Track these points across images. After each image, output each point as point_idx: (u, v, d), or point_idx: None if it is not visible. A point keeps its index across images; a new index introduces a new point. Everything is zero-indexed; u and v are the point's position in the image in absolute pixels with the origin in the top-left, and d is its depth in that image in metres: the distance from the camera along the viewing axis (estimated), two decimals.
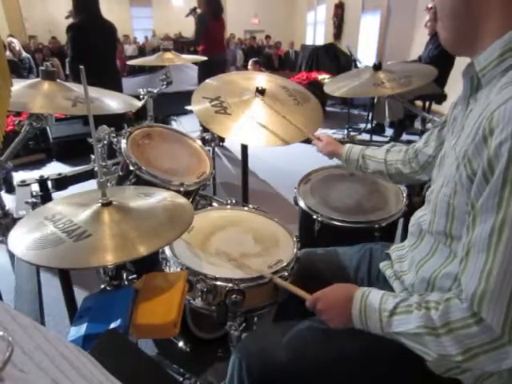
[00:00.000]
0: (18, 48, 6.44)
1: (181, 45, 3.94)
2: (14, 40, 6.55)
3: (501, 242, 0.56)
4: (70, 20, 3.06)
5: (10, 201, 1.24)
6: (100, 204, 0.77)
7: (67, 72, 7.95)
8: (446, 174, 0.72)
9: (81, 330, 0.71)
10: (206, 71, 3.58)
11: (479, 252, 0.59)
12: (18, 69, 6.24)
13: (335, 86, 1.64)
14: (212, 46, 3.80)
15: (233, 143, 4.00)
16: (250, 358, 0.81)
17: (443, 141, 0.93)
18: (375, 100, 4.30)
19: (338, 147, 1.27)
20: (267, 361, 0.80)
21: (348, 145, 1.25)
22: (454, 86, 3.86)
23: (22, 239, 0.70)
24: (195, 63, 4.59)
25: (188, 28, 4.08)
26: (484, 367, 0.61)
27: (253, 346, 0.85)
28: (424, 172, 1.06)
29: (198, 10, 3.91)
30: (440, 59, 3.59)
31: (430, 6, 4.07)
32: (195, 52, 4.39)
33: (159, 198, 0.88)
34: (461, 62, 0.72)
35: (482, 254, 0.58)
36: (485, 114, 0.60)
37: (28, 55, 6.85)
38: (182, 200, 0.90)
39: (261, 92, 1.36)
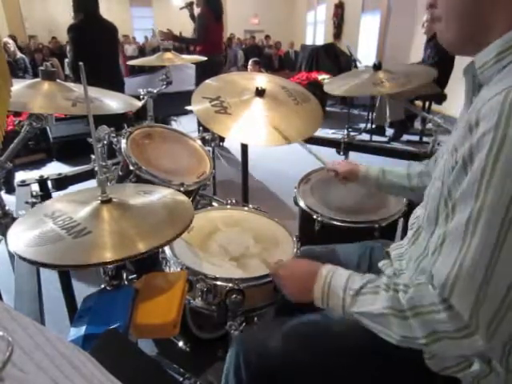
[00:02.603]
0: (12, 49, 6.45)
1: (181, 42, 3.88)
2: (10, 41, 6.57)
3: (477, 229, 0.56)
4: (72, 19, 3.06)
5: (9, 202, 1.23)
6: (100, 201, 0.77)
7: (66, 72, 7.97)
8: (438, 169, 0.73)
9: (81, 329, 0.71)
10: (204, 72, 3.57)
11: (454, 241, 0.59)
12: (13, 69, 6.25)
13: (335, 85, 1.64)
14: (210, 47, 3.78)
15: (233, 143, 4.00)
16: (249, 351, 0.81)
17: None
18: (376, 102, 4.30)
19: (355, 166, 1.24)
20: (266, 354, 0.80)
21: (365, 164, 1.23)
22: (454, 86, 3.86)
23: (21, 236, 0.70)
24: (195, 63, 4.59)
25: (188, 28, 4.07)
26: (449, 352, 0.62)
27: (251, 340, 0.85)
28: None
29: (195, 7, 3.89)
30: (441, 64, 3.59)
31: None
32: (193, 52, 4.38)
33: (159, 195, 0.88)
34: (461, 63, 0.72)
35: (457, 242, 0.58)
36: (474, 107, 0.60)
37: (23, 56, 6.86)
38: (181, 197, 0.90)
39: (261, 92, 1.36)
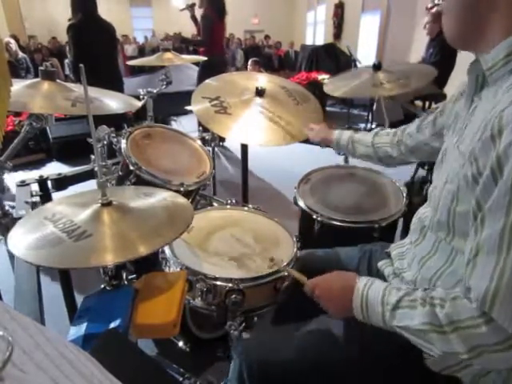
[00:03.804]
0: (14, 49, 6.43)
1: (188, 44, 3.94)
2: (12, 40, 6.54)
3: None
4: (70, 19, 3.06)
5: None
6: (100, 204, 0.77)
7: (66, 72, 7.96)
8: (449, 172, 0.72)
9: (81, 329, 0.71)
10: (207, 71, 3.58)
11: (489, 253, 0.58)
12: (16, 69, 6.24)
13: (335, 85, 1.64)
14: (213, 47, 3.79)
15: (233, 143, 4.00)
16: (251, 361, 0.81)
17: (439, 131, 0.94)
18: (375, 101, 4.30)
19: (329, 133, 1.31)
20: (268, 364, 0.80)
21: (337, 131, 1.29)
22: (453, 85, 3.86)
23: (21, 239, 0.70)
24: (195, 63, 4.59)
25: (188, 29, 4.07)
26: (494, 365, 0.61)
27: (254, 349, 0.85)
28: (412, 155, 1.10)
29: (196, 9, 3.89)
30: (442, 63, 3.59)
31: (429, 5, 4.06)
32: (195, 52, 4.40)
33: (159, 197, 0.88)
34: (461, 64, 0.72)
35: (492, 255, 0.57)
36: (493, 113, 0.60)
37: (24, 55, 6.85)
38: (181, 200, 0.90)
39: (260, 92, 1.36)
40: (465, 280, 0.62)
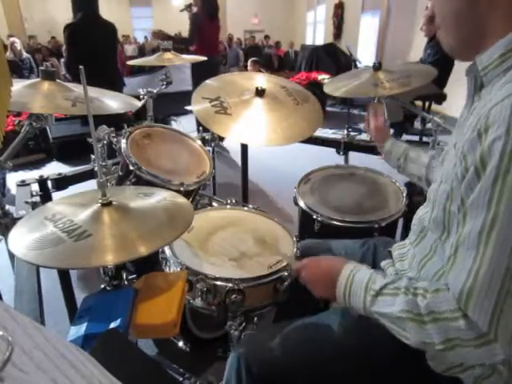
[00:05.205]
0: (19, 48, 6.43)
1: (173, 42, 3.92)
2: (17, 40, 6.53)
3: (490, 239, 0.56)
4: (69, 19, 3.06)
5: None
6: (100, 204, 0.77)
7: (64, 72, 7.96)
8: (445, 171, 0.72)
9: (81, 329, 0.71)
10: (199, 72, 3.57)
11: (468, 250, 0.59)
12: (20, 69, 6.24)
13: (335, 85, 1.63)
14: (205, 48, 3.72)
15: (232, 143, 4.00)
16: (249, 356, 0.81)
17: None
18: (375, 101, 4.30)
19: (387, 136, 1.26)
20: (266, 359, 0.80)
21: (392, 140, 1.23)
22: (453, 86, 3.86)
23: (22, 239, 0.70)
24: (191, 64, 4.59)
25: (188, 29, 4.07)
26: (465, 359, 0.62)
27: (252, 345, 0.85)
28: None
29: (194, 8, 3.89)
30: (441, 63, 3.59)
31: (425, 6, 4.05)
32: (189, 52, 4.40)
33: (159, 198, 0.88)
34: (461, 63, 0.73)
35: (470, 251, 0.58)
36: (482, 112, 0.60)
37: (28, 55, 6.85)
38: (181, 200, 0.90)
39: (261, 92, 1.36)
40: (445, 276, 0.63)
